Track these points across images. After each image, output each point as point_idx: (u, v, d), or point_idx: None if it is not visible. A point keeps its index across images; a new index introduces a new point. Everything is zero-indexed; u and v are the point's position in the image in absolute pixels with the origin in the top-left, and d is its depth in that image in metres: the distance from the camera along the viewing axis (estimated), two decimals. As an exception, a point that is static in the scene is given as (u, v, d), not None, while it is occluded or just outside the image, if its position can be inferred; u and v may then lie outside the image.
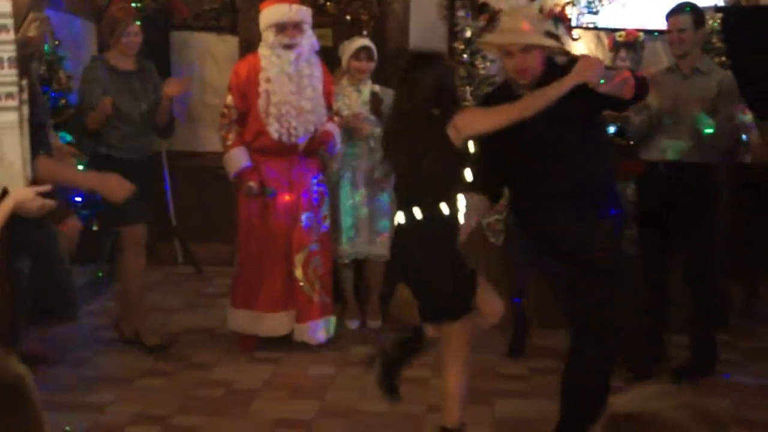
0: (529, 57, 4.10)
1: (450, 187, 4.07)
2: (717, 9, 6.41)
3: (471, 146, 4.10)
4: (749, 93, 5.98)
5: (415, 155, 4.05)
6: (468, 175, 4.07)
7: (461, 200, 4.06)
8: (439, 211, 4.02)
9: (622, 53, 6.46)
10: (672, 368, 5.35)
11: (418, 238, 4.07)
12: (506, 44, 4.15)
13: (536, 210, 4.13)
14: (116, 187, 4.37)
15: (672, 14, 5.36)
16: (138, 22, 5.67)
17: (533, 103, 3.92)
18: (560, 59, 4.60)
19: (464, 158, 4.08)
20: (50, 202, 3.73)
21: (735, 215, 5.99)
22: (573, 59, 4.53)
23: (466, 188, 4.09)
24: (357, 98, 6.13)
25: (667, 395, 1.51)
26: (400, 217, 4.14)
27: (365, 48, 6.09)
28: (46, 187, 3.72)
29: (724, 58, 6.03)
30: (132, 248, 5.72)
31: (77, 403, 4.87)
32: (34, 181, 3.92)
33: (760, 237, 6.14)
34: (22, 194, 3.71)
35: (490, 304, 4.23)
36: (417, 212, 4.03)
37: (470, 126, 3.99)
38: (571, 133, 4.05)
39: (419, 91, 4.03)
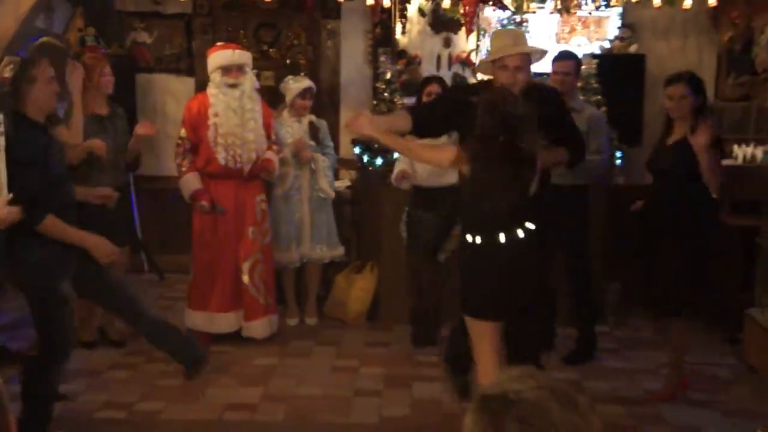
0: (520, 73, 4.12)
1: None
2: (593, 56, 6.51)
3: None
4: (619, 125, 6.09)
5: None
6: None
7: None
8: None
9: None
10: (560, 356, 5.40)
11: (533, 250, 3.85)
12: (503, 58, 4.11)
13: None
14: (105, 249, 4.20)
15: (558, 59, 5.39)
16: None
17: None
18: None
19: None
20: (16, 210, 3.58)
21: (610, 227, 6.07)
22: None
23: None
24: (298, 128, 6.08)
25: (528, 377, 1.51)
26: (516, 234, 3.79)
27: (310, 89, 6.07)
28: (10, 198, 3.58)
29: (599, 97, 6.11)
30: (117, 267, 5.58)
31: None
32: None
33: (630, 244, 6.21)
34: None
35: None
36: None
37: None
38: None
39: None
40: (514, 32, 4.66)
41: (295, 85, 6.05)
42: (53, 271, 3.98)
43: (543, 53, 4.36)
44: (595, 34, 7.17)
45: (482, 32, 7.19)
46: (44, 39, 4.76)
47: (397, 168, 5.63)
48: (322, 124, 6.27)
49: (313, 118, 6.19)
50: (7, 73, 3.72)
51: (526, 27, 7.16)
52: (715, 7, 6.62)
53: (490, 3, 5.59)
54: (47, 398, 4.14)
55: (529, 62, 4.21)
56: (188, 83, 7.58)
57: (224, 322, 5.67)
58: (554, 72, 5.38)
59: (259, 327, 5.69)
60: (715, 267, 4.53)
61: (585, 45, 7.07)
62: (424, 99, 5.47)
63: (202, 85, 6.82)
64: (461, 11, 5.59)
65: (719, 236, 4.57)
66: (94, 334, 5.67)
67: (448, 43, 7.37)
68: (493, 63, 4.19)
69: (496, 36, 4.47)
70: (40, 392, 4.08)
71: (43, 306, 3.98)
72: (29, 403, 4.05)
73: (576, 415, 1.47)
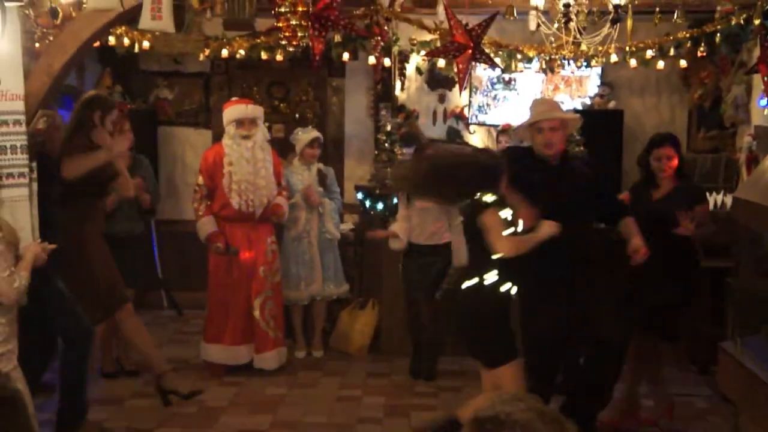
0: (555, 135, 4.13)
1: None
2: (576, 111, 6.55)
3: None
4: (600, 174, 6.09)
5: None
6: None
7: None
8: None
9: (500, 138, 6.67)
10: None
11: None
12: (540, 122, 4.12)
13: None
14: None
15: None
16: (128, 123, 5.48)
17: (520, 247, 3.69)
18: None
19: None
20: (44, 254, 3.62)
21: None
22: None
23: None
24: (308, 175, 6.11)
25: (518, 400, 1.50)
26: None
27: (317, 139, 6.11)
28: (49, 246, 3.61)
29: (582, 148, 6.15)
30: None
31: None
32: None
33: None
34: (35, 249, 3.57)
35: None
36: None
37: None
38: None
39: None
40: (550, 101, 4.67)
41: (304, 136, 6.09)
42: (49, 271, 3.98)
43: (578, 120, 4.41)
44: (577, 92, 7.24)
45: (474, 89, 7.26)
46: (92, 92, 4.88)
47: (392, 227, 5.69)
48: (330, 172, 6.30)
49: (321, 165, 6.22)
50: (41, 125, 3.75)
51: (514, 85, 7.24)
52: (685, 68, 6.77)
53: (482, 62, 5.64)
54: (82, 387, 4.27)
55: (564, 126, 4.24)
56: (205, 135, 7.62)
57: (237, 354, 5.63)
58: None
59: (269, 359, 5.65)
60: (693, 303, 4.54)
61: (568, 101, 7.13)
62: None
63: (218, 137, 6.87)
64: (455, 69, 5.64)
65: (698, 276, 4.58)
66: (114, 365, 5.62)
67: (442, 99, 7.44)
68: (530, 126, 4.20)
69: (534, 104, 4.43)
70: (77, 382, 4.18)
71: (49, 303, 3.97)
72: (68, 396, 4.15)
73: None
